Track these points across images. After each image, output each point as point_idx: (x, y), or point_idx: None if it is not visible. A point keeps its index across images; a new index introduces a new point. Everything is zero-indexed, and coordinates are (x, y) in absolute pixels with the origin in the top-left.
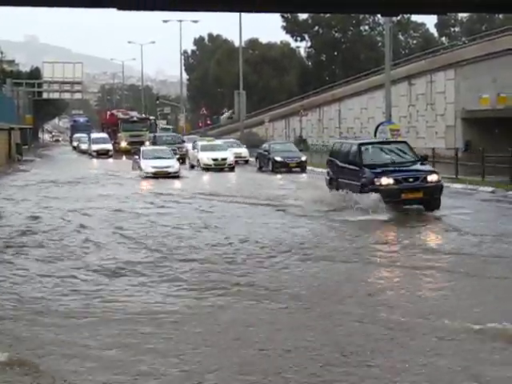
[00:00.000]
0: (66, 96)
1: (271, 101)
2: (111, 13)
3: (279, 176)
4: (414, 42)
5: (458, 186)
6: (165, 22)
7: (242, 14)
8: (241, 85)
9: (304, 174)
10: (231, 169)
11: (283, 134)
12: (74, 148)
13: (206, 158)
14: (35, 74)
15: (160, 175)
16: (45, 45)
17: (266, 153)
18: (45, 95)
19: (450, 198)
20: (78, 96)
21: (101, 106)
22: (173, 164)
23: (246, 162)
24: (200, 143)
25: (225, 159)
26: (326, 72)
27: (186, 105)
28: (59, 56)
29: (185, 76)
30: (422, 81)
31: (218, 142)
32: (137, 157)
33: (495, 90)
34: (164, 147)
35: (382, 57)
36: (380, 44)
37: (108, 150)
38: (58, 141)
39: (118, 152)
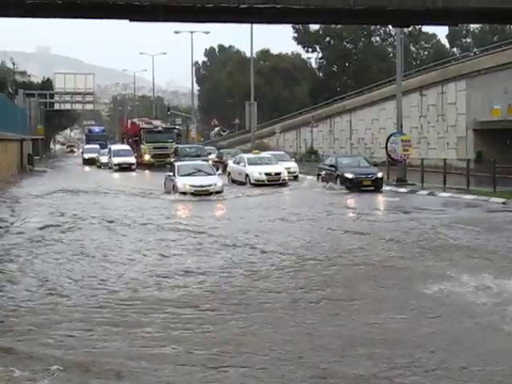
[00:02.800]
0: (78, 107)
1: (282, 111)
2: (123, 24)
3: (356, 197)
4: (426, 53)
5: (469, 197)
6: (176, 33)
7: (254, 25)
8: (252, 95)
9: (380, 195)
10: (284, 184)
11: (294, 145)
12: (86, 161)
13: (257, 172)
14: (47, 85)
15: (200, 194)
16: (57, 56)
17: (332, 168)
18: (56, 106)
19: (452, 207)
20: (89, 107)
21: (112, 116)
22: (215, 181)
23: (296, 177)
24: (246, 156)
25: (279, 174)
26: (337, 83)
27: (197, 116)
28: (71, 67)
29: (196, 87)
30: (433, 92)
31: (266, 154)
32: (170, 173)
33: (506, 101)
34: (203, 162)
35: (394, 68)
36: (391, 55)
37: (131, 164)
38: (72, 151)
39: (140, 165)
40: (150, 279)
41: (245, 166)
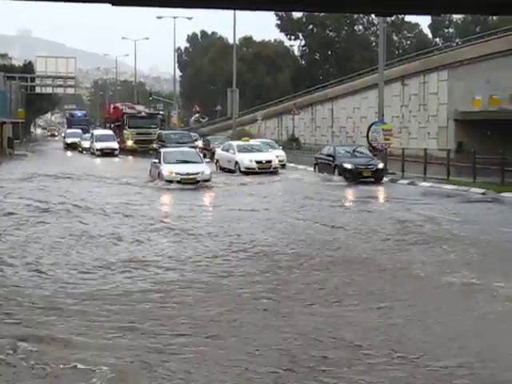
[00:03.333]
0: (59, 91)
1: (264, 99)
2: (105, 8)
3: (358, 187)
4: (408, 42)
5: (449, 187)
6: (159, 18)
7: (236, 11)
8: (234, 82)
9: (381, 187)
10: (275, 173)
11: (275, 132)
12: (68, 145)
13: (247, 160)
14: (28, 68)
15: (187, 183)
16: (38, 39)
17: (330, 158)
18: (38, 90)
19: (427, 196)
20: (70, 91)
21: (93, 101)
22: (202, 169)
23: (283, 166)
24: (235, 143)
25: (270, 162)
26: (319, 71)
27: (179, 102)
28: (53, 50)
29: (178, 73)
30: (415, 81)
31: (256, 142)
32: (156, 160)
33: (488, 92)
34: (190, 149)
35: (376, 57)
36: (374, 44)
37: (114, 149)
38: (54, 135)
39: (123, 151)
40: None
41: (234, 153)
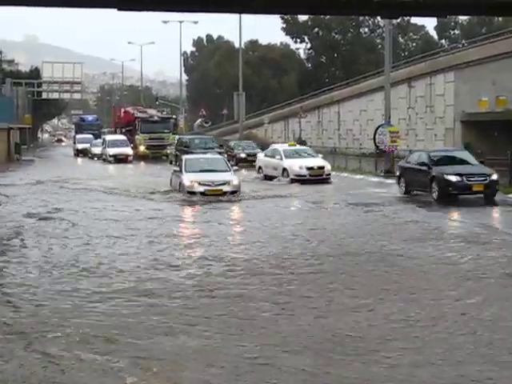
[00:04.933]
0: (66, 96)
1: (271, 102)
2: (111, 13)
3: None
4: (414, 44)
5: None
6: (165, 22)
7: (242, 15)
8: (240, 86)
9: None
10: (327, 181)
11: (282, 136)
12: (79, 151)
13: (297, 166)
14: (35, 73)
15: (212, 195)
16: (44, 45)
17: (424, 168)
18: (44, 95)
19: None
20: (77, 96)
21: (100, 106)
22: (230, 179)
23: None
24: (281, 148)
25: (322, 168)
26: (325, 74)
27: (186, 106)
28: (59, 56)
29: (184, 77)
30: (421, 83)
31: (303, 147)
32: (177, 169)
33: (494, 93)
34: (216, 155)
35: (382, 59)
36: (380, 46)
37: (127, 155)
38: (61, 141)
39: (135, 157)
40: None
41: (281, 159)
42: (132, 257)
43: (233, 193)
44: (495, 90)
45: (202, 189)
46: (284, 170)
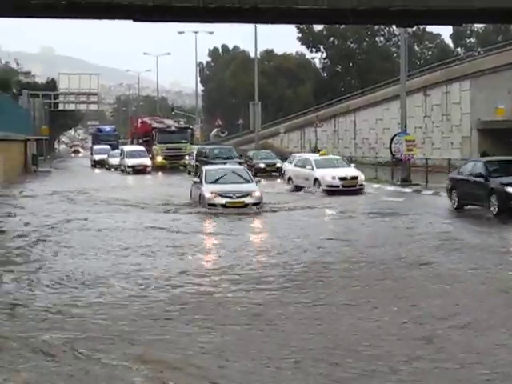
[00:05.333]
0: (82, 107)
1: (286, 111)
2: (127, 24)
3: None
4: (430, 52)
5: None
6: (180, 33)
7: (258, 25)
8: (256, 95)
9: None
10: (360, 192)
11: (298, 145)
12: (96, 163)
13: (329, 176)
14: (51, 85)
15: (233, 207)
16: (60, 56)
17: (480, 179)
18: (61, 106)
19: None
20: (93, 107)
21: (116, 116)
22: (252, 189)
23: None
24: (312, 158)
25: (355, 178)
26: (341, 83)
27: (201, 116)
28: (75, 67)
29: (200, 87)
30: (437, 92)
31: (334, 156)
32: (197, 180)
33: (511, 101)
34: (237, 166)
35: (398, 68)
36: (395, 55)
37: (146, 166)
38: (77, 152)
39: (152, 167)
40: None
41: (312, 169)
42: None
43: (255, 204)
44: (511, 98)
45: (223, 201)
46: (315, 180)
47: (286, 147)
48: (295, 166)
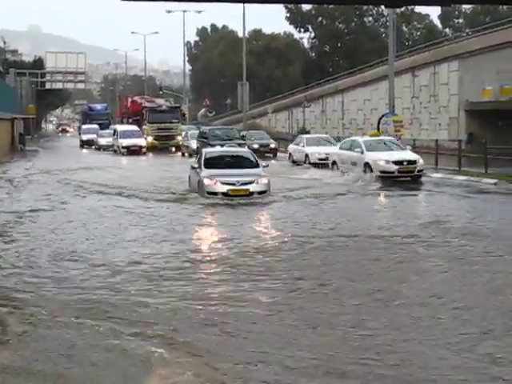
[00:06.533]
0: (69, 86)
1: (274, 91)
2: (114, 3)
3: None
4: (418, 33)
5: (461, 177)
6: (168, 12)
7: (246, 4)
8: (244, 75)
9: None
10: (419, 179)
11: (286, 125)
12: (84, 143)
13: (383, 161)
14: (38, 63)
15: (236, 195)
16: (47, 35)
17: None
18: (48, 85)
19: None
20: (81, 86)
21: (104, 96)
22: (259, 175)
23: None
24: (361, 139)
25: (413, 162)
26: (329, 63)
27: (189, 95)
28: (62, 46)
29: (188, 66)
30: (425, 72)
31: (386, 137)
32: (196, 165)
33: (499, 82)
34: (241, 148)
35: (386, 48)
36: (384, 35)
37: (141, 147)
38: (65, 131)
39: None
40: None
41: (362, 152)
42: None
43: (261, 193)
44: (499, 79)
45: (224, 189)
46: (366, 165)
47: (273, 127)
48: (341, 148)
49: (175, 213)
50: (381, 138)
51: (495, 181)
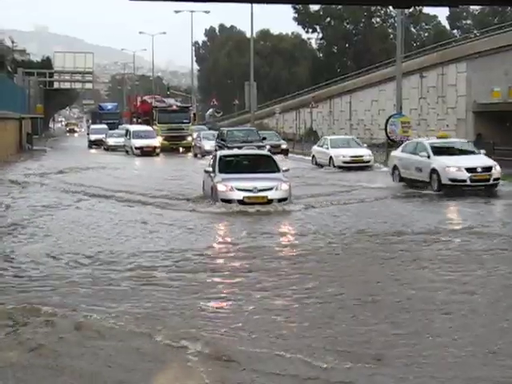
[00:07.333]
0: (77, 86)
1: (282, 92)
2: (122, 3)
3: None
4: (426, 34)
5: None
6: (176, 12)
7: (254, 5)
8: (251, 76)
9: None
10: (494, 188)
11: (293, 126)
12: (92, 143)
13: (453, 167)
14: (46, 63)
15: (254, 203)
16: (55, 35)
17: None
18: (56, 85)
19: None
20: (88, 86)
21: (111, 95)
22: (278, 181)
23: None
24: (427, 142)
25: (488, 169)
26: (337, 64)
27: (197, 96)
28: (70, 46)
29: (196, 67)
30: (433, 73)
31: (456, 139)
32: (209, 169)
33: (507, 83)
34: (261, 151)
35: (394, 49)
36: (391, 36)
37: (155, 147)
38: (73, 131)
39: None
40: None
41: (428, 156)
42: None
43: (281, 200)
44: (508, 80)
45: (240, 195)
46: (433, 171)
47: (281, 128)
48: (402, 151)
49: (190, 221)
50: (451, 139)
51: (502, 182)
